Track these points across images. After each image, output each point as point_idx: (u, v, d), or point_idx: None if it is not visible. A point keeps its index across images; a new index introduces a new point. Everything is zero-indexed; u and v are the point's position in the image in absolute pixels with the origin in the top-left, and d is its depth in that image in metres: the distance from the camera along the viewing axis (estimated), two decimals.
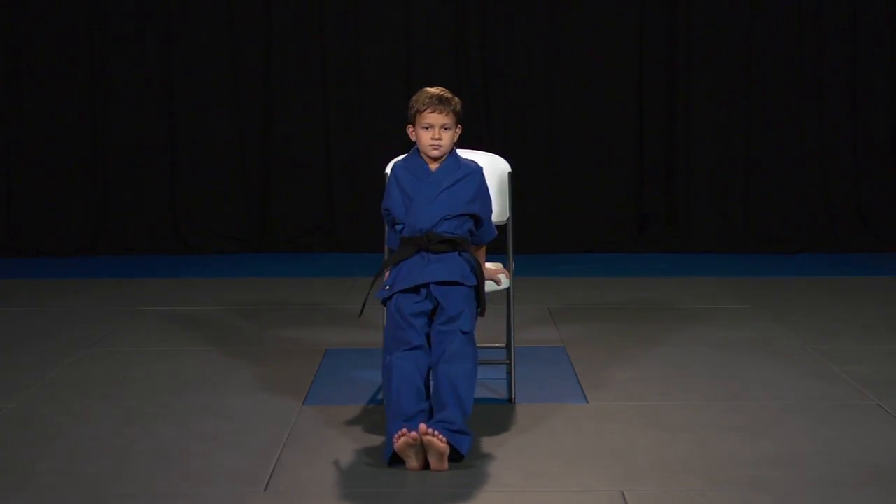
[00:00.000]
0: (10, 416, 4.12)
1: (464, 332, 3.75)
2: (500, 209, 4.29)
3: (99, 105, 7.46)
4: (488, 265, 4.18)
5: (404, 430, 3.50)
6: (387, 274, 3.95)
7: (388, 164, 4.37)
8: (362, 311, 4.09)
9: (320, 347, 5.05)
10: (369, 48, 7.47)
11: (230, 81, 7.48)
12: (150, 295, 6.20)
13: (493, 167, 4.35)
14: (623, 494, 3.36)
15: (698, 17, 7.42)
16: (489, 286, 4.12)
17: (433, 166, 4.00)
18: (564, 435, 3.89)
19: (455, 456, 3.57)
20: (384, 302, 3.90)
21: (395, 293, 3.82)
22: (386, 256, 4.25)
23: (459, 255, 3.89)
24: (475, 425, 3.76)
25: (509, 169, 4.39)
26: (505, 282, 4.20)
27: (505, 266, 4.31)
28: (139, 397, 4.33)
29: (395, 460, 3.56)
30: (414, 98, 4.01)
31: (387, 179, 4.13)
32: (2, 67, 7.39)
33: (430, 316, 3.82)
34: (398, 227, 3.98)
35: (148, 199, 7.51)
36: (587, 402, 4.28)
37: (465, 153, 4.19)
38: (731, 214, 7.52)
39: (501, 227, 4.28)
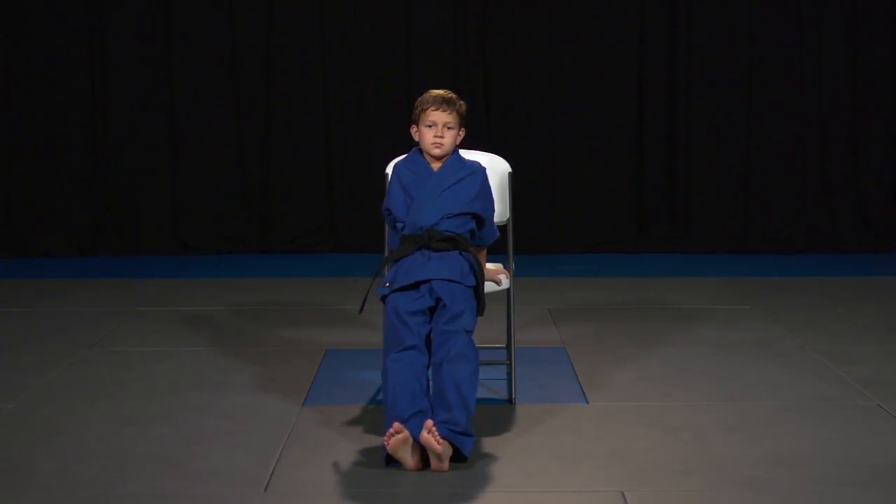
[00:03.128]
0: (10, 417, 4.12)
1: (467, 331, 3.77)
2: (500, 209, 4.29)
3: (99, 105, 7.46)
4: (488, 265, 4.18)
5: (392, 429, 3.50)
6: (386, 271, 3.95)
7: (388, 164, 4.38)
8: (362, 308, 4.09)
9: (320, 348, 5.05)
10: (369, 48, 7.47)
11: (230, 81, 7.48)
12: (151, 295, 6.20)
13: (493, 167, 4.35)
14: (623, 495, 3.36)
15: (699, 18, 7.42)
16: (490, 286, 4.12)
17: (435, 166, 4.01)
18: (564, 435, 3.89)
19: (458, 457, 3.58)
20: (383, 299, 3.89)
21: (395, 290, 3.82)
22: (385, 253, 4.26)
23: (460, 253, 3.89)
24: (476, 425, 3.76)
25: (509, 169, 4.39)
26: (505, 282, 4.20)
27: (505, 266, 4.31)
28: (139, 397, 4.33)
29: (393, 460, 3.57)
30: (419, 99, 4.04)
31: (388, 179, 4.14)
32: (2, 67, 7.39)
33: (430, 312, 3.82)
34: (399, 226, 3.99)
35: (148, 200, 7.51)
36: (587, 402, 4.28)
37: (464, 153, 4.19)
38: (731, 214, 7.52)
39: (501, 228, 4.28)
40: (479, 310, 3.89)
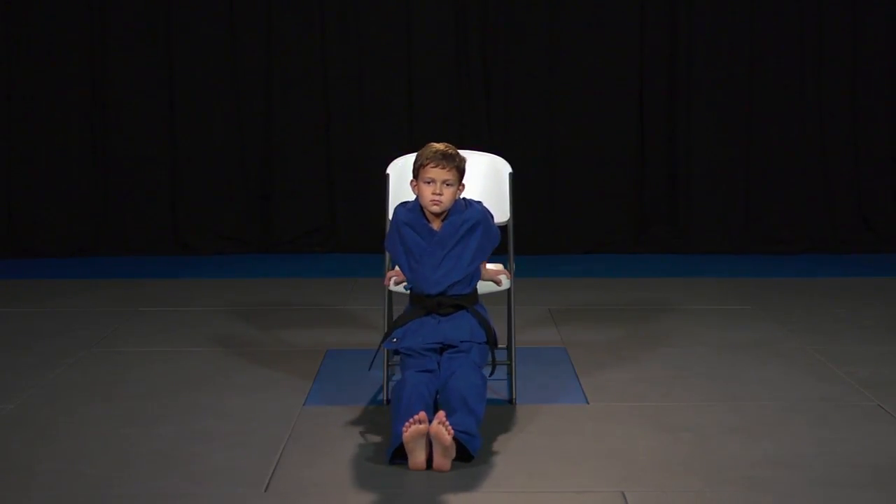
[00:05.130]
0: (10, 417, 4.12)
1: (475, 363, 3.85)
2: (500, 210, 4.29)
3: (99, 105, 7.46)
4: (489, 266, 4.19)
5: (417, 416, 3.51)
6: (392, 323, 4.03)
7: (388, 164, 4.38)
8: (371, 365, 4.12)
9: (321, 348, 5.05)
10: (369, 48, 7.47)
11: (230, 81, 7.49)
12: (151, 296, 6.20)
13: (493, 167, 4.35)
14: (623, 495, 3.36)
15: (699, 18, 7.42)
16: (490, 287, 4.13)
17: (436, 225, 4.00)
18: (565, 435, 3.89)
19: (464, 455, 3.58)
20: (394, 352, 4.01)
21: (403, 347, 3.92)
22: (386, 261, 4.27)
23: (467, 310, 3.95)
24: None
25: (510, 169, 4.39)
26: (506, 282, 4.20)
27: (505, 267, 4.31)
28: (139, 398, 4.33)
29: (397, 457, 3.57)
30: (419, 153, 4.03)
31: (388, 224, 4.13)
32: (2, 68, 7.39)
33: (441, 351, 3.92)
34: (405, 286, 4.05)
35: (148, 200, 7.51)
36: (588, 402, 4.28)
37: (464, 154, 4.18)
38: (731, 215, 7.53)
39: (502, 228, 4.28)
40: (491, 370, 3.95)
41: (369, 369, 4.17)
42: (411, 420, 3.50)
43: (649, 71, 7.51)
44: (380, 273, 4.35)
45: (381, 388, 4.29)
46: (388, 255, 4.23)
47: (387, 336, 4.01)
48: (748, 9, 7.42)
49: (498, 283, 4.17)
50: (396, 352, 3.99)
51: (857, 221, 7.55)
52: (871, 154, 7.55)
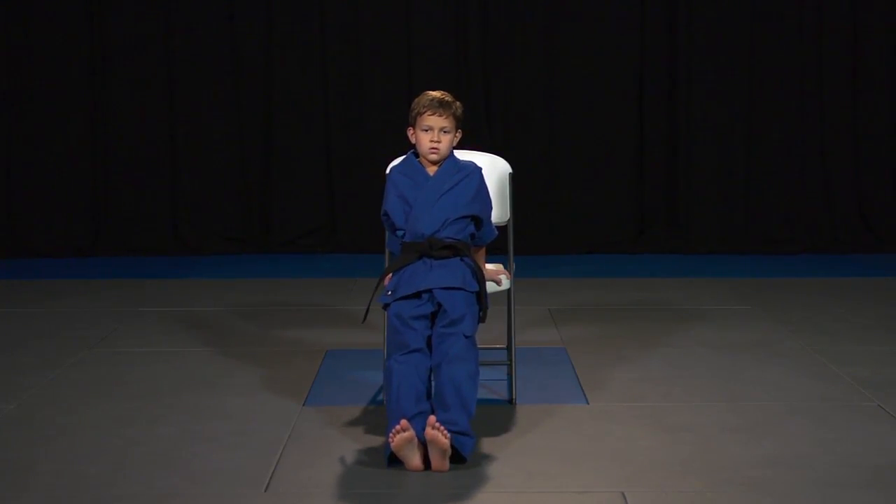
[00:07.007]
0: (11, 417, 4.12)
1: (466, 336, 3.76)
2: (500, 210, 4.29)
3: (99, 105, 7.46)
4: (489, 266, 4.18)
5: (399, 426, 3.49)
6: (388, 279, 3.94)
7: (388, 165, 4.37)
8: (365, 317, 4.09)
9: (321, 348, 5.05)
10: (370, 48, 7.47)
11: (230, 81, 7.49)
12: (151, 296, 6.20)
13: (493, 167, 4.35)
14: (623, 495, 3.36)
15: (699, 17, 7.43)
16: (490, 287, 4.12)
17: (431, 170, 3.99)
18: (565, 436, 3.89)
19: (457, 458, 3.58)
20: (385, 307, 3.89)
21: (397, 299, 3.82)
22: (387, 260, 4.26)
23: (461, 260, 3.89)
24: (476, 426, 3.76)
25: (510, 169, 4.39)
26: (505, 283, 4.20)
27: (505, 267, 4.31)
28: (140, 398, 4.33)
29: (395, 460, 3.57)
30: (416, 100, 4.02)
31: (385, 184, 4.13)
32: (2, 67, 7.39)
33: (431, 318, 3.82)
34: (399, 234, 3.98)
35: (148, 200, 7.52)
36: (587, 402, 4.28)
37: (465, 154, 4.19)
38: (731, 215, 7.53)
39: (502, 228, 4.28)
40: (482, 316, 3.88)
41: (363, 322, 4.12)
42: (395, 430, 3.49)
43: (649, 71, 7.51)
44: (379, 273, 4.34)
45: (381, 388, 4.29)
46: (387, 252, 4.22)
47: (379, 283, 3.96)
48: (748, 8, 7.42)
49: (498, 283, 4.16)
50: (387, 305, 3.88)
51: (857, 221, 7.56)
52: (871, 154, 7.55)
